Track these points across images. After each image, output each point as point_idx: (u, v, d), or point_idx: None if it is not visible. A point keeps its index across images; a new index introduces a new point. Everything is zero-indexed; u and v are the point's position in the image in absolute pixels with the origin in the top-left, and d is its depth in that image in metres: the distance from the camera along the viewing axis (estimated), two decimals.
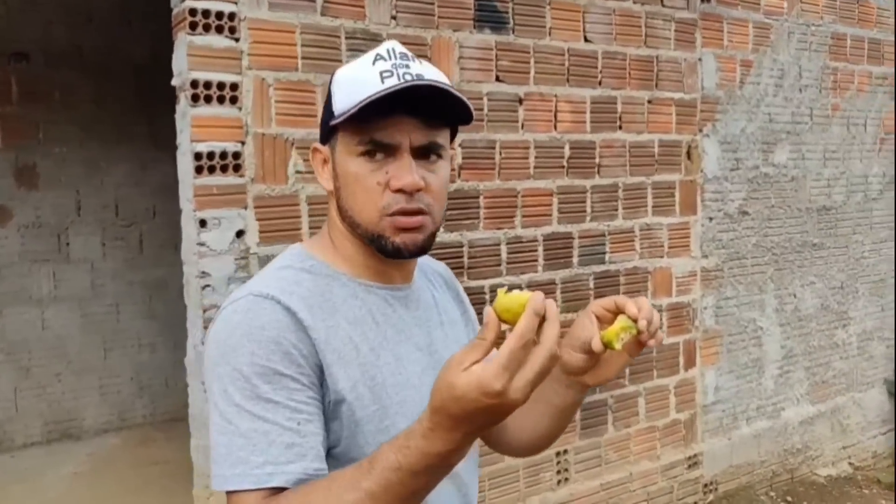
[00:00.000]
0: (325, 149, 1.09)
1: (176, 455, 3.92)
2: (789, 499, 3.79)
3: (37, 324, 4.60)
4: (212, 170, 2.26)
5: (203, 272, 2.26)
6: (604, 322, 1.07)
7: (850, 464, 4.19)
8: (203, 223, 2.26)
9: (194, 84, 2.23)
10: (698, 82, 3.34)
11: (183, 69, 2.24)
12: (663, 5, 3.19)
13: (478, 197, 2.75)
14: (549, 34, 2.88)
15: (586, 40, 2.98)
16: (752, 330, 3.68)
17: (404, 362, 1.07)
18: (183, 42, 2.23)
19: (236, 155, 2.29)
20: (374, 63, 1.02)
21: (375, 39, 2.50)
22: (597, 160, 3.06)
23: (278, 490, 0.89)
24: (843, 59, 3.92)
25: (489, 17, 2.75)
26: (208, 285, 2.27)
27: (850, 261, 4.09)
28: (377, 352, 1.04)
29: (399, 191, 1.00)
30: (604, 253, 3.10)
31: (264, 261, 2.34)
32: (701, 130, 3.37)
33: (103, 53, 4.63)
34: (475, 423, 0.80)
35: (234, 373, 0.93)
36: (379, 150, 1.01)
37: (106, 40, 4.63)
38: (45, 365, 4.62)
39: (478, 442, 1.09)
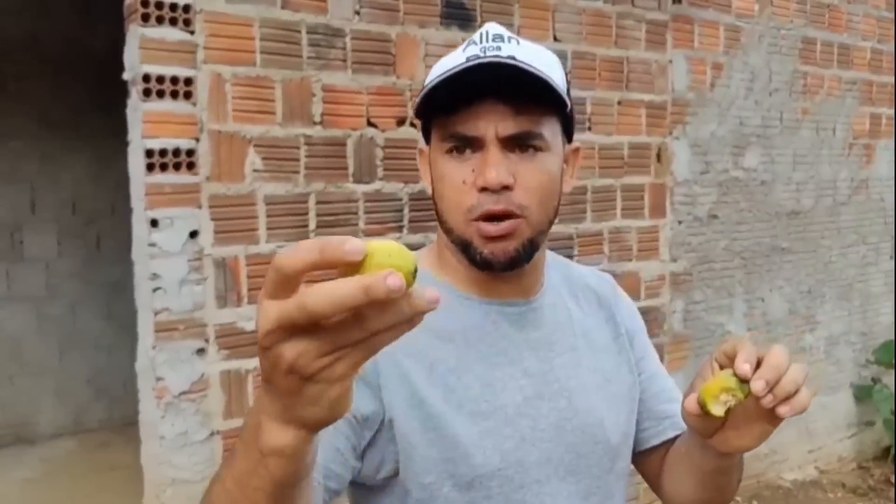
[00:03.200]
0: (427, 148, 0.99)
1: (134, 460, 3.76)
2: (755, 503, 3.77)
3: None
4: (164, 167, 2.17)
5: (154, 274, 2.17)
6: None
7: (815, 468, 4.19)
8: (154, 223, 2.17)
9: (146, 78, 2.14)
10: (669, 84, 3.30)
11: (135, 62, 2.15)
12: (634, 6, 3.15)
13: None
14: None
15: (555, 39, 2.92)
16: (720, 334, 3.65)
17: (496, 388, 0.93)
18: (135, 34, 2.14)
19: (190, 152, 2.20)
20: (465, 49, 0.91)
21: (338, 35, 2.42)
22: None
23: None
24: (812, 63, 3.90)
25: (456, 14, 2.68)
26: (160, 287, 2.18)
27: (819, 265, 4.08)
28: (458, 373, 0.92)
29: (484, 189, 0.87)
30: (571, 256, 3.05)
31: (219, 263, 2.26)
32: (671, 133, 3.33)
33: (61, 45, 4.50)
34: (264, 385, 0.58)
35: None
36: (465, 145, 0.89)
37: (63, 31, 4.50)
38: None
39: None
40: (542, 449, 0.94)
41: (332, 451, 0.84)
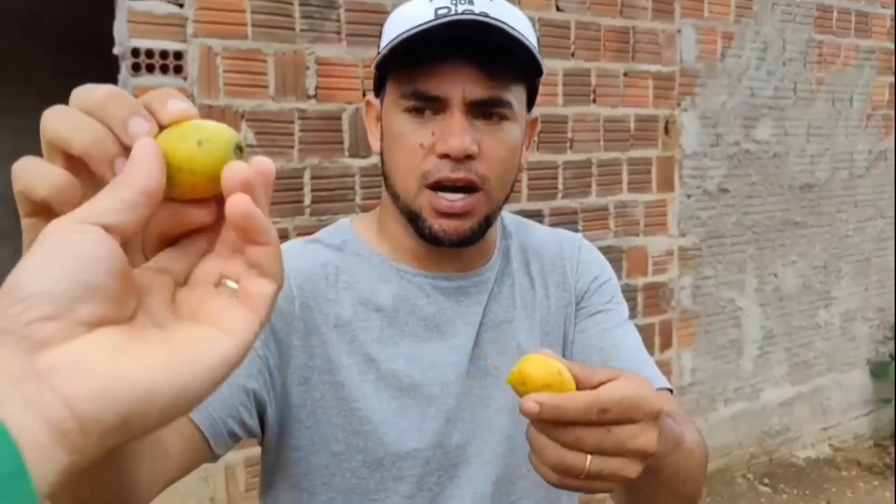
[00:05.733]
0: (377, 102, 0.92)
1: None
2: (767, 481, 3.72)
3: None
4: None
5: None
6: None
7: (830, 445, 4.12)
8: None
9: (135, 52, 2.10)
10: (677, 55, 3.21)
11: (124, 37, 2.12)
12: None
13: None
14: (519, 3, 2.75)
15: (558, 9, 2.84)
16: (730, 310, 3.59)
17: (423, 365, 0.88)
18: (123, 8, 2.11)
19: None
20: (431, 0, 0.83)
21: (332, 6, 2.37)
22: (569, 135, 2.94)
23: None
24: (828, 31, 3.79)
25: None
26: None
27: (834, 240, 4.00)
28: (381, 345, 0.87)
29: (445, 156, 0.81)
30: (576, 231, 2.99)
31: None
32: (679, 105, 3.25)
33: (63, 24, 4.47)
34: None
35: None
36: (426, 105, 0.82)
37: (65, 10, 4.47)
38: None
39: None
40: (464, 430, 0.89)
41: (237, 392, 0.80)
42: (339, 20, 2.39)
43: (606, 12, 2.98)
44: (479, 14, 0.80)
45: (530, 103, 0.92)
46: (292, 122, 2.34)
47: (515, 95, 0.85)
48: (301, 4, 2.33)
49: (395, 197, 0.88)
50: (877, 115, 4.07)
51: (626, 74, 3.06)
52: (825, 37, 3.78)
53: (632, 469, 0.60)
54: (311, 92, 2.36)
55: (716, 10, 3.33)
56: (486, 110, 0.83)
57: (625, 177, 3.11)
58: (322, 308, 0.87)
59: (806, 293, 3.91)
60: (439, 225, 0.84)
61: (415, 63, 0.81)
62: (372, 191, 2.48)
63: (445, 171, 0.82)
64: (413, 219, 0.86)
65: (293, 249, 0.90)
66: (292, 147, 2.34)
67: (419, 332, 0.90)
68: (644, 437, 0.60)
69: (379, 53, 0.86)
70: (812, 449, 4.04)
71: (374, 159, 2.47)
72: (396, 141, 0.85)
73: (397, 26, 0.84)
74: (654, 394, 0.62)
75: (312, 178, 2.38)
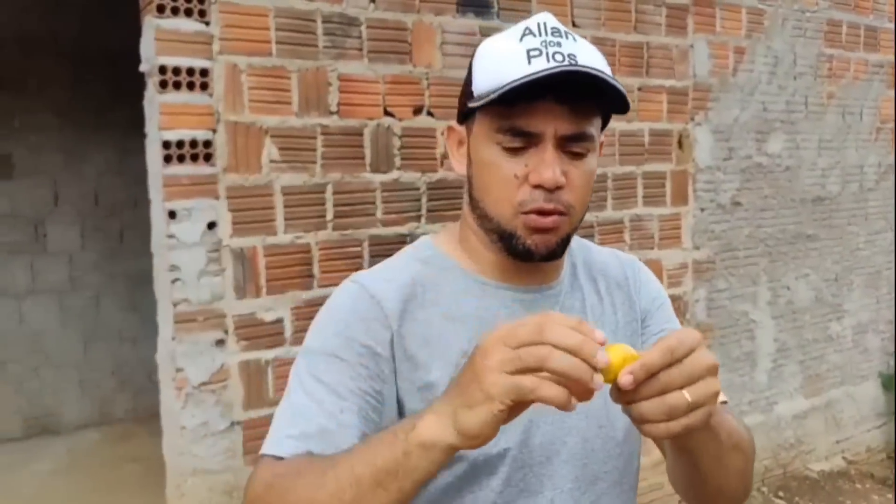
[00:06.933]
0: (461, 129, 1.00)
1: (157, 452, 3.80)
2: (782, 494, 3.72)
3: (14, 317, 4.50)
4: (181, 159, 2.16)
5: (173, 265, 2.17)
6: None
7: (843, 458, 4.12)
8: (172, 214, 2.17)
9: (162, 70, 2.13)
10: (690, 69, 3.25)
11: (150, 54, 2.15)
12: None
13: (462, 187, 2.65)
14: None
15: (574, 25, 2.88)
16: (744, 323, 3.60)
17: None
18: (150, 26, 2.14)
19: (207, 143, 2.20)
20: (521, 38, 0.92)
21: (353, 23, 2.40)
22: None
23: None
24: (838, 46, 3.82)
25: (473, 1, 2.65)
26: (178, 279, 2.18)
27: (845, 252, 4.01)
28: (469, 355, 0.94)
29: (538, 186, 0.90)
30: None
31: (237, 253, 2.26)
32: (693, 119, 3.28)
33: (79, 40, 4.52)
34: (456, 389, 0.74)
35: (306, 349, 0.96)
36: (519, 139, 0.91)
37: (82, 26, 4.52)
38: (22, 359, 4.53)
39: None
40: (545, 431, 0.96)
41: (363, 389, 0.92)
42: (360, 37, 2.42)
43: (621, 28, 3.01)
44: (568, 55, 0.89)
45: (604, 127, 1.00)
46: (315, 138, 2.37)
47: (595, 126, 0.94)
48: (324, 22, 2.36)
49: (483, 217, 0.96)
50: (886, 128, 4.10)
51: (640, 89, 3.09)
52: (835, 51, 3.81)
53: (714, 383, 0.74)
54: (334, 108, 2.39)
55: (728, 26, 3.37)
56: (572, 144, 0.92)
57: (640, 190, 3.14)
58: (413, 328, 0.95)
59: (818, 306, 3.93)
60: (532, 241, 0.93)
61: (511, 101, 0.88)
62: (392, 205, 2.50)
63: (539, 201, 0.91)
64: (506, 237, 0.94)
65: (386, 273, 0.99)
66: (315, 162, 2.37)
67: None
68: (706, 355, 0.74)
69: (476, 94, 0.93)
70: (826, 462, 4.04)
71: (395, 174, 2.50)
72: (489, 170, 0.94)
73: (492, 65, 0.92)
74: (692, 330, 0.77)
75: (334, 192, 2.40)
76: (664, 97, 3.17)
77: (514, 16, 2.72)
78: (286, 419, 0.91)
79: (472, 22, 2.64)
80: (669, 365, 0.71)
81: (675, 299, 3.28)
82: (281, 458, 0.87)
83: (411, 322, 0.95)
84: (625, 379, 0.71)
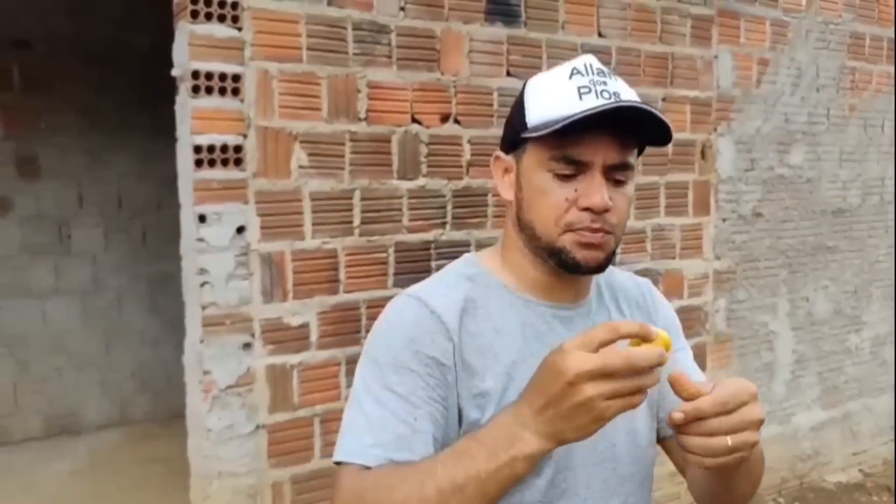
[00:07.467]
0: (508, 158, 1.09)
1: (177, 452, 3.84)
2: None
3: (37, 317, 4.55)
4: (212, 163, 2.19)
5: (202, 269, 2.20)
6: None
7: (860, 470, 4.11)
8: (202, 218, 2.19)
9: (195, 75, 2.16)
10: (714, 80, 3.26)
11: (184, 59, 2.17)
12: (679, 1, 3.11)
13: (486, 195, 2.68)
14: (563, 28, 2.80)
15: (600, 35, 2.90)
16: (763, 334, 3.60)
17: None
18: (184, 31, 2.17)
19: (238, 148, 2.22)
20: (570, 77, 1.02)
21: (383, 31, 2.43)
22: None
23: None
24: (861, 58, 3.82)
25: (501, 10, 2.67)
26: (207, 282, 2.20)
27: (865, 265, 4.00)
28: (518, 366, 1.04)
29: (586, 209, 1.00)
30: (615, 254, 3.02)
31: (265, 258, 2.28)
32: (716, 130, 3.29)
33: (105, 42, 4.57)
34: (540, 407, 0.83)
35: (372, 361, 1.02)
36: (571, 166, 1.00)
37: (108, 29, 4.57)
38: (45, 359, 4.57)
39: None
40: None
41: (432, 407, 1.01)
42: (389, 45, 2.45)
43: (646, 38, 3.03)
44: (614, 94, 1.00)
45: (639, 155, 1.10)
46: (343, 144, 2.39)
47: (634, 157, 1.05)
48: (354, 29, 2.39)
49: (533, 237, 1.05)
50: None
51: (664, 99, 3.10)
52: (858, 63, 3.81)
53: (754, 436, 0.85)
54: (362, 115, 2.41)
55: (752, 38, 3.38)
56: (616, 172, 1.02)
57: (662, 200, 3.15)
58: (469, 340, 1.03)
59: (837, 318, 3.92)
60: (581, 255, 1.02)
61: (563, 133, 0.97)
62: (418, 212, 2.52)
63: (587, 222, 1.01)
64: (556, 253, 1.03)
65: (441, 289, 1.07)
66: (343, 168, 2.39)
67: (542, 353, 1.00)
68: (755, 410, 0.86)
69: (531, 126, 1.03)
70: (843, 473, 4.03)
71: (422, 181, 2.52)
72: (542, 194, 1.03)
73: (547, 101, 1.02)
74: (749, 382, 0.88)
75: (362, 199, 2.43)
76: (688, 108, 3.18)
77: (540, 25, 2.74)
78: (362, 428, 0.98)
79: (500, 31, 2.66)
80: (717, 414, 0.84)
81: (695, 309, 3.29)
82: (367, 468, 0.94)
83: (467, 335, 1.03)
84: (676, 416, 0.84)
